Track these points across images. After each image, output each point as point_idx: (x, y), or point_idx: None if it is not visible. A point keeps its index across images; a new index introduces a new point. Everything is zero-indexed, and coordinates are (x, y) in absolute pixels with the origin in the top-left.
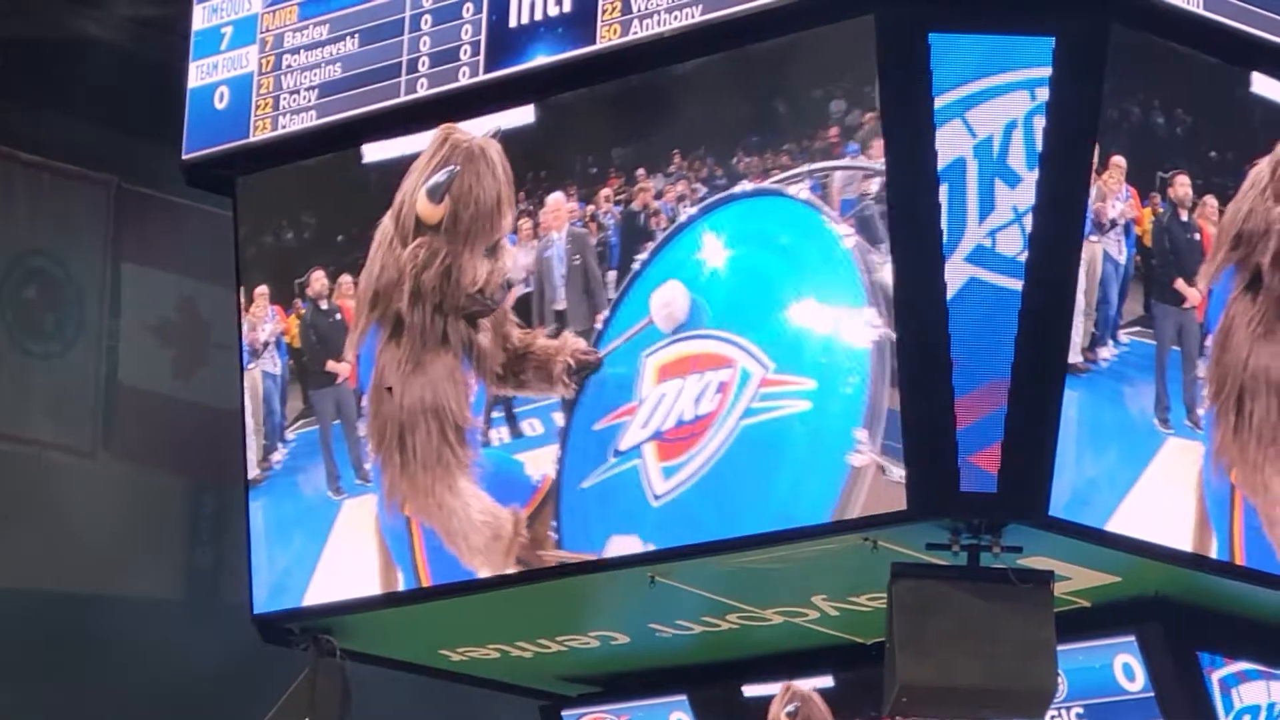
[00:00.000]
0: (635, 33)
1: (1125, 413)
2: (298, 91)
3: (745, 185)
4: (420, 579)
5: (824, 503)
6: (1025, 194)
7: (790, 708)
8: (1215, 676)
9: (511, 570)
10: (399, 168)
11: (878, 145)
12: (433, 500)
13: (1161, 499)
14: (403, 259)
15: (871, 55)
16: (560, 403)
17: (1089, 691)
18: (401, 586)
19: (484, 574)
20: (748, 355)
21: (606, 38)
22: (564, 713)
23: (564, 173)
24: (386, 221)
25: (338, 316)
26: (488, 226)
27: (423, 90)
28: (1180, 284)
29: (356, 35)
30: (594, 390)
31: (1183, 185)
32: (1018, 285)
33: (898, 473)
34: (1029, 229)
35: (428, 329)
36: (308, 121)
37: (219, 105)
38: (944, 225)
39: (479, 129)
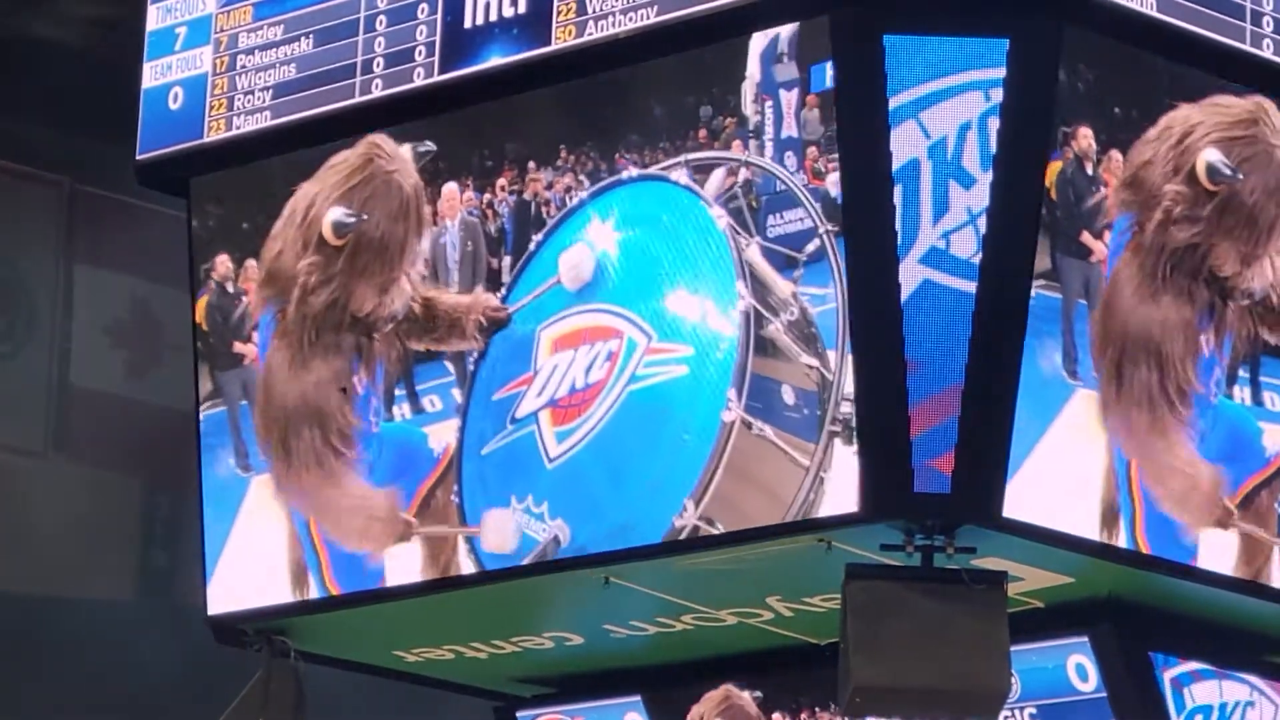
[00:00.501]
0: (590, 34)
1: (1034, 364)
2: (252, 92)
3: (631, 171)
4: (320, 559)
5: (700, 454)
6: (979, 195)
7: None
8: (1168, 676)
9: (394, 547)
10: (304, 158)
11: (737, 145)
12: (319, 497)
13: (1071, 447)
14: (299, 265)
15: (740, 69)
16: (458, 379)
17: (1042, 692)
18: (304, 561)
19: (370, 551)
20: (633, 326)
21: (561, 39)
22: (519, 713)
23: (461, 166)
24: (300, 201)
25: (243, 299)
26: (386, 267)
27: (378, 91)
28: (1086, 237)
29: (311, 36)
30: (493, 362)
31: (1085, 138)
32: (972, 287)
33: (759, 426)
34: (983, 230)
35: (310, 336)
36: (262, 122)
37: (173, 106)
38: (898, 227)
39: (406, 149)
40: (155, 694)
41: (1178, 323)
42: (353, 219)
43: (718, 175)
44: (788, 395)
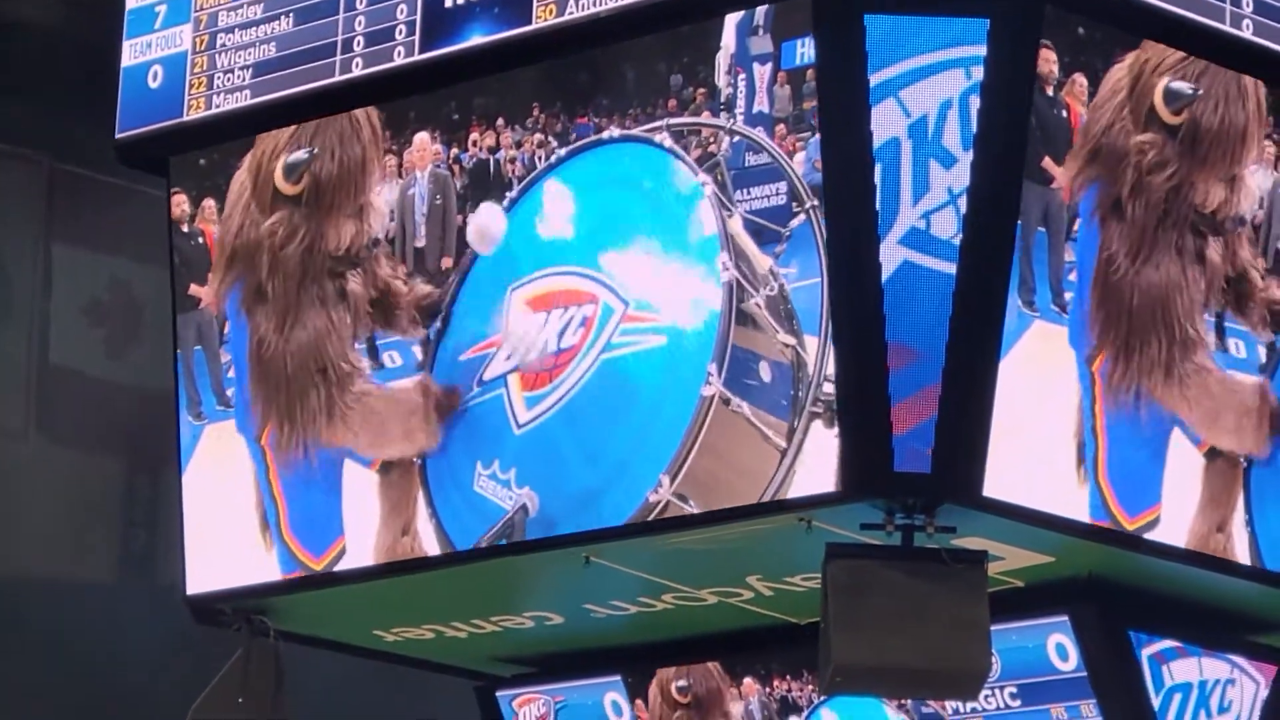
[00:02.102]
0: (571, 12)
1: None
2: (232, 71)
3: (613, 131)
4: (278, 511)
5: (677, 427)
6: (960, 175)
7: (681, 683)
8: (1146, 655)
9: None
10: None
11: (707, 117)
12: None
13: (1030, 381)
14: (261, 229)
15: (714, 39)
16: (419, 338)
17: (1022, 671)
18: (264, 512)
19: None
20: (609, 292)
21: (542, 17)
22: (498, 693)
23: (430, 115)
24: (244, 177)
25: (200, 240)
26: (352, 192)
27: (358, 70)
28: (1048, 163)
29: (291, 15)
30: (460, 322)
31: (1046, 61)
32: (952, 268)
33: (736, 402)
34: (964, 210)
35: (292, 297)
36: (242, 101)
37: (153, 84)
38: (878, 207)
39: None
40: (136, 675)
41: (1177, 281)
42: (302, 157)
43: (693, 146)
44: (765, 373)
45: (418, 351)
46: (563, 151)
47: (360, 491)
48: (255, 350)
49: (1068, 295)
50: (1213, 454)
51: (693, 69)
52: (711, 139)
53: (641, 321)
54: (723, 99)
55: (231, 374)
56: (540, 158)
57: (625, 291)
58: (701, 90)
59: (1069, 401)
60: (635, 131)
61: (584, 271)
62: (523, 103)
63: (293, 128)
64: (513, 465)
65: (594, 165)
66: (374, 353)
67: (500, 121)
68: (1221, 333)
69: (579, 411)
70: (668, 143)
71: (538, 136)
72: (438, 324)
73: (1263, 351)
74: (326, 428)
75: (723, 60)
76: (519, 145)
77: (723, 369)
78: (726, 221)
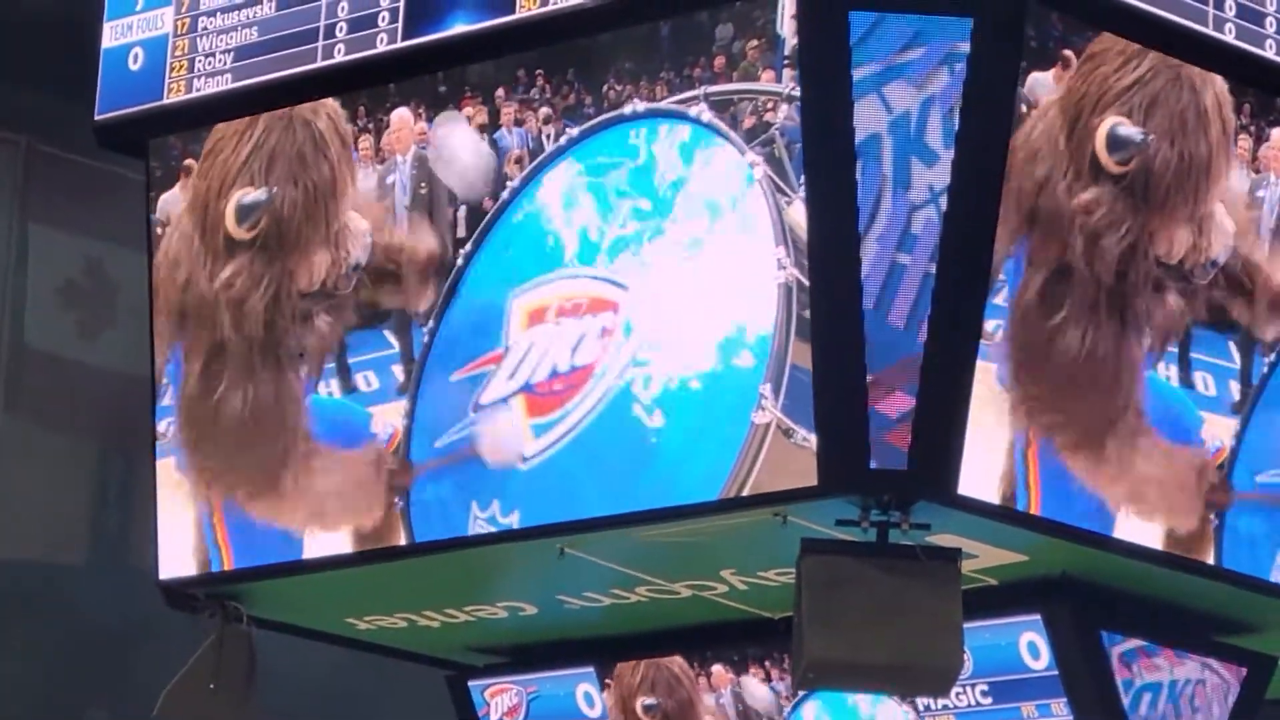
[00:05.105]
0: (555, 2)
1: None
2: (213, 54)
3: (636, 105)
4: (222, 555)
5: (721, 465)
6: (942, 173)
7: (649, 701)
8: (1117, 654)
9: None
10: None
11: (768, 76)
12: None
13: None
14: (215, 283)
15: None
16: (400, 355)
17: (994, 669)
18: (208, 556)
19: (361, 526)
20: (634, 298)
21: (526, 7)
22: (470, 683)
23: (411, 88)
24: (184, 216)
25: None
26: (323, 221)
27: (340, 56)
28: None
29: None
30: (451, 336)
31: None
32: (931, 266)
33: (802, 434)
34: (944, 209)
35: (255, 354)
36: (222, 85)
37: (133, 66)
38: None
39: None
40: (105, 657)
41: (1124, 352)
42: (258, 199)
43: (746, 114)
44: None
45: (398, 372)
46: (574, 132)
47: (328, 536)
48: (198, 403)
49: (991, 324)
50: None
51: (747, 15)
52: (769, 105)
53: (675, 333)
54: (787, 51)
55: (168, 400)
56: (548, 137)
57: (653, 298)
58: (758, 41)
59: (998, 444)
60: (664, 105)
61: (602, 274)
62: (525, 68)
63: (243, 159)
64: (516, 507)
65: (612, 147)
66: (345, 373)
67: (500, 93)
68: (1186, 365)
69: (597, 442)
70: (705, 116)
71: (544, 111)
72: (430, 324)
73: (1235, 387)
74: (262, 502)
75: (787, 1)
76: (520, 123)
77: (780, 391)
78: (784, 210)
